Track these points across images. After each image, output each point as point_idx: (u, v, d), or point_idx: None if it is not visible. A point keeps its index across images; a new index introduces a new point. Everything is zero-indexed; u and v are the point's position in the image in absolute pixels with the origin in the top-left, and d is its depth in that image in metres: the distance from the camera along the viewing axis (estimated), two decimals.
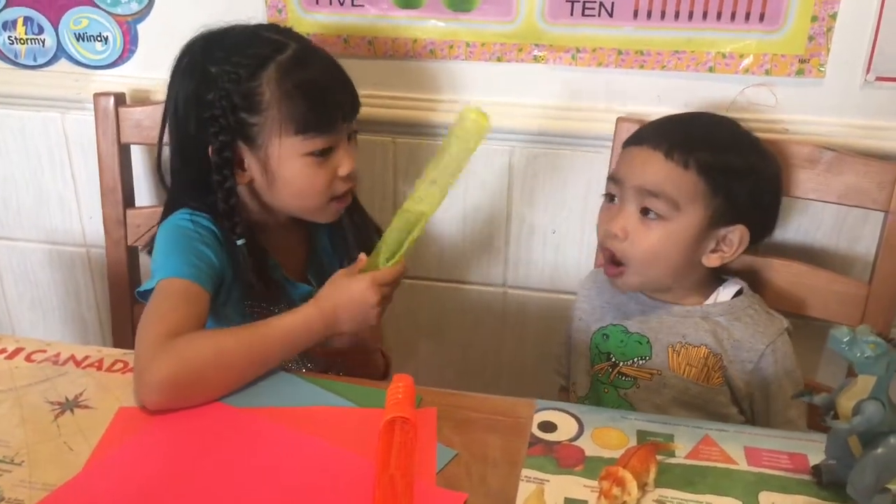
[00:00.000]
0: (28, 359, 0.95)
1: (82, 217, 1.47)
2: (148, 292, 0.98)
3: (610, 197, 1.06)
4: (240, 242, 1.03)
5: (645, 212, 1.01)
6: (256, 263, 1.05)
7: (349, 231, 1.14)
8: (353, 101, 1.05)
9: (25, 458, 0.80)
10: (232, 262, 1.04)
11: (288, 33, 1.05)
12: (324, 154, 1.02)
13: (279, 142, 1.00)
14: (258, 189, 1.05)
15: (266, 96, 0.98)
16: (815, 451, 0.80)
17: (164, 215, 1.08)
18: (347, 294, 0.96)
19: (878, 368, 0.69)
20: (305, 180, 1.03)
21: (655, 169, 1.00)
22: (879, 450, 0.71)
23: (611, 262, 1.05)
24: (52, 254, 1.52)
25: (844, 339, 0.68)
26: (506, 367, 1.46)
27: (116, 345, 1.35)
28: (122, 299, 1.34)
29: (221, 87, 0.98)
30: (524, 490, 0.76)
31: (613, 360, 1.09)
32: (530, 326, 1.42)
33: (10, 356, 0.96)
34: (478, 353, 1.45)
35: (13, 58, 1.36)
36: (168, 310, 0.93)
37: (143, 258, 1.34)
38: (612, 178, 1.05)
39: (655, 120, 1.10)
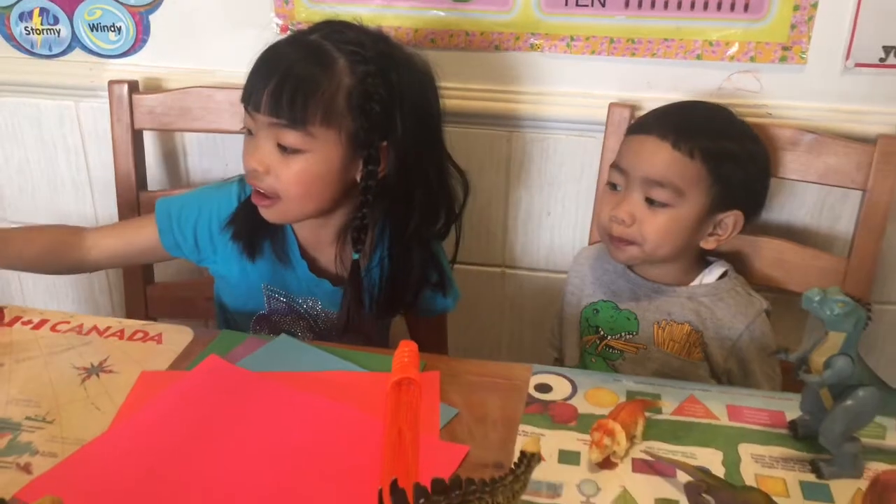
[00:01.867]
0: (53, 329, 1.01)
1: (95, 202, 1.52)
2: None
3: (612, 185, 1.10)
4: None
5: (650, 201, 1.06)
6: (258, 222, 1.07)
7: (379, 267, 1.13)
8: (274, 100, 0.97)
9: (56, 417, 0.85)
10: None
11: (339, 38, 1.02)
12: (250, 134, 1.02)
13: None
14: None
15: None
16: (792, 408, 0.86)
17: None
18: None
19: (847, 325, 0.75)
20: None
21: (662, 159, 1.04)
22: (848, 402, 0.77)
23: (614, 238, 1.09)
24: None
25: (816, 299, 0.74)
26: (504, 344, 1.52)
27: None
28: (134, 280, 1.39)
29: None
30: (521, 443, 0.82)
31: (602, 333, 1.15)
32: (527, 305, 1.47)
33: (36, 327, 1.01)
34: (477, 332, 1.51)
35: (29, 48, 1.41)
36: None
37: None
38: (617, 168, 1.09)
39: (657, 109, 1.15)
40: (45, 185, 1.53)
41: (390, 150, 1.03)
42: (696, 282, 1.13)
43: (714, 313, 1.10)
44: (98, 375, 0.92)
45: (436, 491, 0.58)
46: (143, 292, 1.39)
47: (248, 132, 1.03)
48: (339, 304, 1.12)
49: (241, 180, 1.12)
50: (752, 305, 1.11)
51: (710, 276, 1.13)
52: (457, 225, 1.16)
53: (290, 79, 0.97)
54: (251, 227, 1.09)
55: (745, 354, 1.10)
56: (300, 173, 1.00)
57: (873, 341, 1.35)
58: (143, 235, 1.15)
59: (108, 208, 1.49)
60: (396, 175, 1.04)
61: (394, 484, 0.57)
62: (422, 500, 0.55)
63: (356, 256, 1.07)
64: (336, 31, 1.03)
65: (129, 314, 1.40)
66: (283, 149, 0.99)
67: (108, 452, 0.80)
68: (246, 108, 1.01)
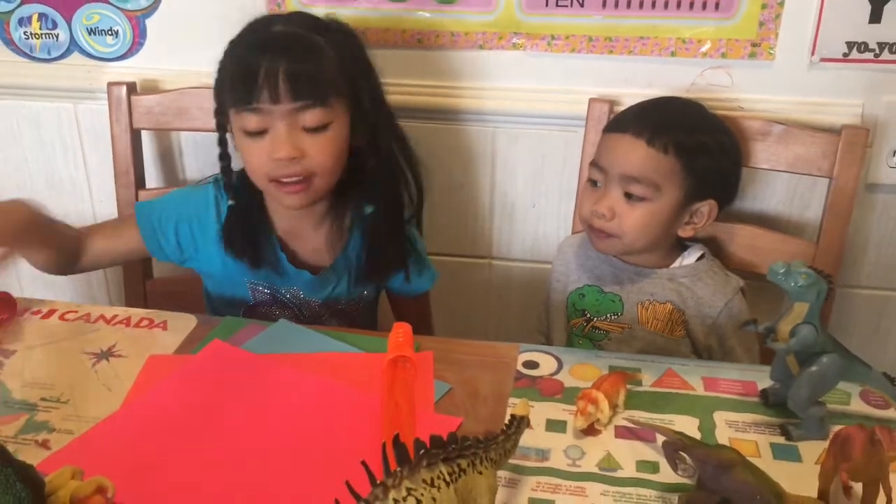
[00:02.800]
0: (62, 318, 1.06)
1: (93, 200, 1.56)
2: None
3: (592, 182, 1.16)
4: (230, 203, 1.14)
5: (628, 196, 1.11)
6: (246, 221, 1.14)
7: (363, 227, 1.17)
8: (298, 87, 1.00)
9: (70, 398, 0.90)
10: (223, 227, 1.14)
11: (299, 18, 1.09)
12: (260, 134, 1.04)
13: (230, 112, 1.07)
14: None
15: (227, 68, 1.07)
16: (763, 378, 0.92)
17: None
18: None
19: (810, 296, 0.81)
20: (246, 155, 1.07)
21: (638, 156, 1.10)
22: (813, 368, 0.83)
23: (595, 230, 1.15)
24: None
25: (781, 271, 0.80)
26: (491, 332, 1.57)
27: None
28: (133, 275, 1.44)
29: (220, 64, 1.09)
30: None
31: (588, 315, 1.21)
32: (514, 294, 1.53)
33: (45, 316, 1.06)
34: (465, 320, 1.56)
35: (29, 52, 1.46)
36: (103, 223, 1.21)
37: None
38: (596, 166, 1.15)
39: (633, 107, 1.20)
40: (43, 183, 1.56)
41: (372, 116, 1.11)
42: (675, 264, 1.19)
43: (694, 292, 1.16)
44: (108, 360, 0.97)
45: (434, 445, 0.63)
46: (143, 287, 1.44)
47: (255, 134, 1.04)
48: (319, 292, 1.19)
49: (217, 182, 1.16)
50: (730, 284, 1.17)
51: (689, 258, 1.19)
52: (418, 202, 1.21)
53: (299, 60, 1.01)
54: (236, 232, 1.14)
55: (725, 331, 1.16)
56: (329, 146, 1.05)
57: (842, 325, 1.41)
58: (125, 239, 1.18)
59: (105, 206, 1.53)
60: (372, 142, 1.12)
61: (396, 438, 0.62)
62: (422, 452, 0.60)
63: (370, 209, 1.14)
64: (299, 18, 1.09)
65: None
66: (312, 130, 1.03)
67: (122, 428, 0.85)
68: (249, 108, 1.02)
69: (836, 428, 0.84)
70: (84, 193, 1.56)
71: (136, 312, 1.07)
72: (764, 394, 0.91)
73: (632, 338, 1.18)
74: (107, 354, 0.98)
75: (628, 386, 0.91)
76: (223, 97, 1.09)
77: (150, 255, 1.20)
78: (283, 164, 1.04)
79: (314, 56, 1.04)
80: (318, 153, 1.05)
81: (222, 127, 1.12)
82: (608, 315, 1.19)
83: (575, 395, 0.87)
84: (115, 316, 1.06)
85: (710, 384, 0.94)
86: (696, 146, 1.11)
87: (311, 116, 1.03)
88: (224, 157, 1.14)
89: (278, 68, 1.00)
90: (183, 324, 1.05)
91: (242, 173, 1.14)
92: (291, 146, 1.03)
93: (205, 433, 0.85)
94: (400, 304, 1.31)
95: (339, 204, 1.15)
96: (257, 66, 1.01)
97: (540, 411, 0.88)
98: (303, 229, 1.18)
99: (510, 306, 1.54)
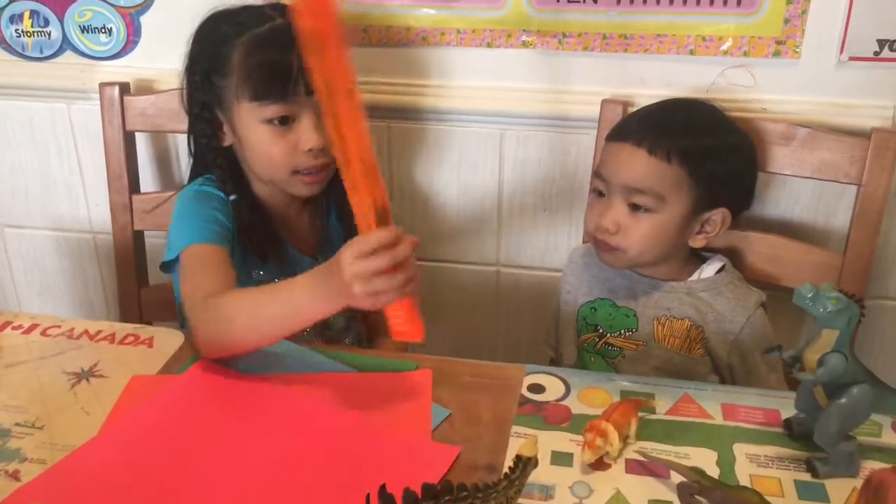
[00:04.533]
0: (44, 334, 1.01)
1: (89, 204, 1.51)
2: (170, 263, 1.05)
3: (598, 192, 1.10)
4: (231, 198, 1.09)
5: (633, 206, 1.05)
6: (255, 226, 1.10)
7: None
8: None
9: (46, 423, 0.85)
10: (234, 224, 1.09)
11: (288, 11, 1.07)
12: (284, 123, 1.03)
13: (239, 106, 1.04)
14: (239, 155, 1.10)
15: (232, 61, 1.02)
16: (787, 406, 0.86)
17: (188, 183, 1.15)
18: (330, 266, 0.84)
19: (840, 322, 0.74)
20: (264, 148, 1.05)
21: (639, 166, 1.04)
22: (843, 400, 0.76)
23: (601, 244, 1.09)
24: (60, 240, 1.57)
25: (808, 295, 0.73)
26: (500, 344, 1.51)
27: None
28: (128, 282, 1.39)
29: (206, 53, 1.06)
30: (514, 444, 0.82)
31: (601, 331, 1.15)
32: (524, 304, 1.46)
33: (27, 332, 1.01)
34: (472, 332, 1.50)
35: (20, 50, 1.41)
36: (199, 275, 0.99)
37: (150, 242, 1.39)
38: (598, 176, 1.09)
39: (634, 113, 1.14)
40: (37, 187, 1.52)
41: None
42: (693, 277, 1.12)
43: (714, 307, 1.09)
44: (88, 380, 0.92)
45: (426, 496, 0.57)
46: (137, 295, 1.39)
47: (277, 126, 1.03)
48: None
49: (207, 182, 1.11)
50: (751, 298, 1.10)
51: (708, 270, 1.13)
52: None
53: None
54: (253, 231, 1.10)
55: (747, 348, 1.09)
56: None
57: (871, 338, 1.34)
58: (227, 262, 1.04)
59: (101, 210, 1.48)
60: None
61: (382, 489, 0.56)
62: None
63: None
64: (283, 12, 1.05)
65: (124, 317, 1.40)
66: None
67: (97, 458, 0.80)
68: (278, 101, 1.01)
69: (867, 464, 0.79)
70: (80, 197, 1.51)
71: (122, 328, 1.02)
72: (788, 424, 0.84)
73: (647, 356, 1.12)
74: (88, 374, 0.93)
75: (641, 414, 0.85)
76: (224, 92, 1.05)
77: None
78: (312, 155, 1.04)
79: None
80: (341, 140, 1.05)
81: (209, 125, 1.08)
82: (622, 331, 1.13)
83: (583, 424, 0.81)
84: (100, 331, 1.01)
85: (729, 412, 0.87)
86: (701, 151, 1.04)
87: None
88: (217, 154, 1.10)
89: (297, 60, 0.96)
90: (171, 340, 1.00)
91: (236, 168, 1.11)
92: (322, 136, 1.02)
93: (185, 462, 0.79)
94: None
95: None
96: (288, 58, 0.99)
97: (545, 441, 0.82)
98: (289, 214, 1.16)
99: (519, 316, 1.48)
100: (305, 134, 1.03)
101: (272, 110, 1.02)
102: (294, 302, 0.87)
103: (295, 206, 1.16)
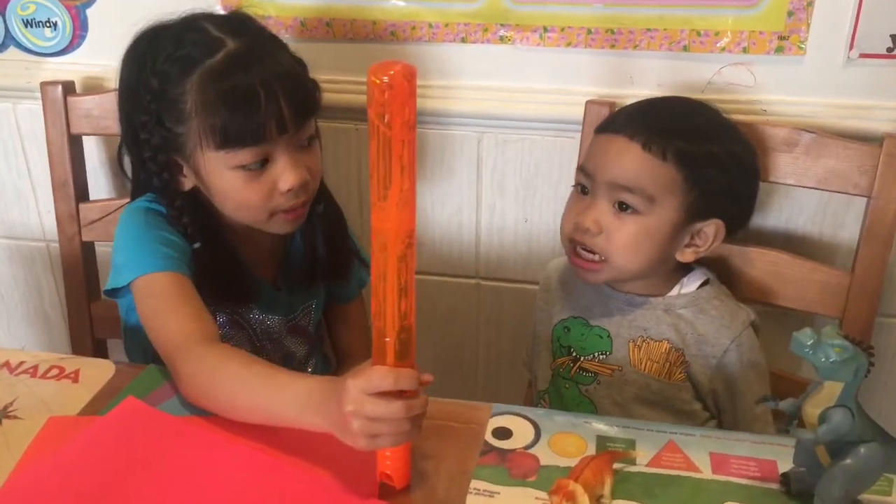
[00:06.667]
0: None
1: (40, 211, 1.42)
2: (118, 290, 0.95)
3: (581, 188, 1.00)
4: (195, 246, 0.98)
5: (620, 206, 0.95)
6: (219, 264, 0.99)
7: (318, 223, 1.07)
8: (299, 107, 0.92)
9: None
10: (192, 262, 0.98)
11: (237, 27, 0.95)
12: (259, 166, 0.92)
13: (203, 155, 0.92)
14: (204, 197, 0.98)
15: (188, 105, 0.90)
16: (784, 456, 0.76)
17: (131, 201, 1.04)
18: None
19: (845, 374, 0.64)
20: (238, 194, 0.94)
21: (631, 161, 0.94)
22: (848, 461, 0.66)
23: (578, 254, 0.99)
24: (12, 248, 1.47)
25: (808, 343, 0.63)
26: (482, 360, 1.42)
27: (74, 342, 1.31)
28: (78, 296, 1.29)
29: (151, 90, 0.92)
30: (472, 503, 0.72)
31: (574, 354, 1.05)
32: (505, 318, 1.37)
33: None
34: (452, 348, 1.41)
35: None
36: (170, 313, 0.89)
37: (100, 254, 1.29)
38: (583, 170, 0.99)
39: (630, 105, 1.04)
40: None
41: None
42: (673, 292, 1.02)
43: (695, 328, 0.99)
44: (0, 422, 0.82)
45: None
46: (88, 310, 1.29)
47: (251, 170, 0.92)
48: (275, 309, 1.08)
49: (152, 204, 0.99)
50: (738, 317, 1.00)
51: (690, 285, 1.02)
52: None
53: (287, 78, 0.92)
54: (222, 279, 1.00)
55: (732, 372, 0.99)
56: (317, 152, 0.99)
57: (881, 360, 1.23)
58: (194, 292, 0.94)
59: (52, 218, 1.37)
60: None
61: None
62: None
63: (320, 208, 1.06)
64: (234, 29, 0.94)
65: (73, 334, 1.31)
66: (303, 146, 0.96)
67: None
68: (248, 145, 0.90)
69: None
70: (30, 203, 1.42)
71: (46, 359, 0.92)
72: (785, 479, 0.74)
73: (623, 382, 1.01)
74: (1, 415, 0.83)
75: (618, 466, 0.75)
76: (183, 140, 0.92)
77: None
78: (292, 195, 0.94)
79: (291, 65, 0.95)
80: (314, 166, 0.98)
81: (165, 168, 0.96)
82: (595, 354, 1.03)
83: (551, 478, 0.72)
84: (22, 363, 0.92)
85: (718, 463, 0.77)
86: (701, 155, 0.94)
87: (308, 128, 0.96)
88: (176, 197, 0.97)
89: (278, 96, 0.89)
90: (98, 373, 0.90)
91: (200, 212, 0.99)
92: (300, 172, 0.94)
93: None
94: (339, 315, 1.20)
95: None
96: (252, 95, 0.89)
97: (507, 499, 0.72)
98: (264, 240, 1.05)
99: (501, 331, 1.38)
100: (283, 174, 0.93)
101: (243, 156, 0.91)
102: (281, 407, 0.76)
103: (254, 231, 1.02)
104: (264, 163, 0.93)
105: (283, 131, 0.91)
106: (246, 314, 1.06)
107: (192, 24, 0.96)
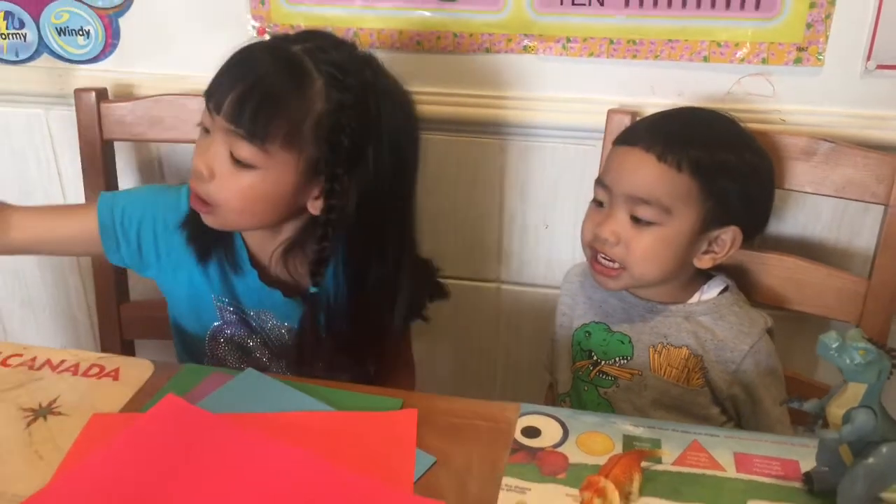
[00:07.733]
0: (3, 363, 0.93)
1: None
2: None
3: (598, 202, 1.02)
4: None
5: (636, 219, 0.97)
6: (216, 234, 1.00)
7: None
8: (237, 105, 0.89)
9: None
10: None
11: (314, 41, 0.95)
12: (205, 133, 0.94)
13: None
14: None
15: None
16: (807, 456, 0.77)
17: None
18: None
19: (869, 376, 0.66)
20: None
21: (646, 173, 0.96)
22: (870, 460, 0.68)
23: (598, 260, 1.01)
24: None
25: (833, 346, 0.65)
26: (501, 364, 1.44)
27: (103, 345, 1.34)
28: (108, 299, 1.32)
29: None
30: (504, 499, 0.74)
31: (595, 358, 1.07)
32: (525, 322, 1.39)
33: None
34: (472, 351, 1.43)
35: None
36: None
37: None
38: (601, 184, 1.01)
39: (646, 118, 1.06)
40: (16, 196, 1.43)
41: (354, 186, 0.94)
42: (693, 299, 1.04)
43: (714, 334, 1.01)
44: (45, 418, 0.85)
45: None
46: (117, 312, 1.32)
47: (205, 130, 0.95)
48: (291, 318, 1.05)
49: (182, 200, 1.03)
50: (756, 324, 1.02)
51: (709, 292, 1.05)
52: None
53: (259, 90, 0.90)
54: (203, 231, 1.00)
55: (751, 378, 1.02)
56: (246, 189, 0.93)
57: None
58: (76, 224, 1.05)
59: None
60: (357, 213, 0.95)
61: None
62: None
63: (314, 290, 0.99)
64: (321, 49, 0.93)
65: (103, 336, 1.33)
66: (235, 160, 0.92)
67: None
68: (207, 105, 0.93)
69: None
70: None
71: (87, 357, 0.95)
72: (808, 478, 0.76)
73: (643, 386, 1.04)
74: (45, 411, 0.86)
75: (645, 464, 0.77)
76: None
77: (103, 253, 1.05)
78: (195, 174, 0.94)
79: (282, 99, 0.90)
80: (229, 188, 0.93)
81: None
82: (616, 359, 1.05)
83: (581, 476, 0.74)
84: (63, 361, 0.94)
85: (742, 462, 0.79)
86: (716, 165, 0.96)
87: (242, 149, 0.91)
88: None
89: (236, 85, 0.90)
90: (137, 372, 0.92)
91: None
92: (206, 162, 0.92)
93: None
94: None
95: (314, 254, 0.98)
96: (228, 70, 0.92)
97: (538, 496, 0.74)
98: (269, 250, 1.03)
99: (521, 336, 1.40)
100: (199, 149, 0.94)
101: (203, 115, 0.94)
102: None
103: (270, 245, 1.01)
104: (207, 132, 0.94)
105: (217, 110, 0.90)
106: (249, 313, 1.07)
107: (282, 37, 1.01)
